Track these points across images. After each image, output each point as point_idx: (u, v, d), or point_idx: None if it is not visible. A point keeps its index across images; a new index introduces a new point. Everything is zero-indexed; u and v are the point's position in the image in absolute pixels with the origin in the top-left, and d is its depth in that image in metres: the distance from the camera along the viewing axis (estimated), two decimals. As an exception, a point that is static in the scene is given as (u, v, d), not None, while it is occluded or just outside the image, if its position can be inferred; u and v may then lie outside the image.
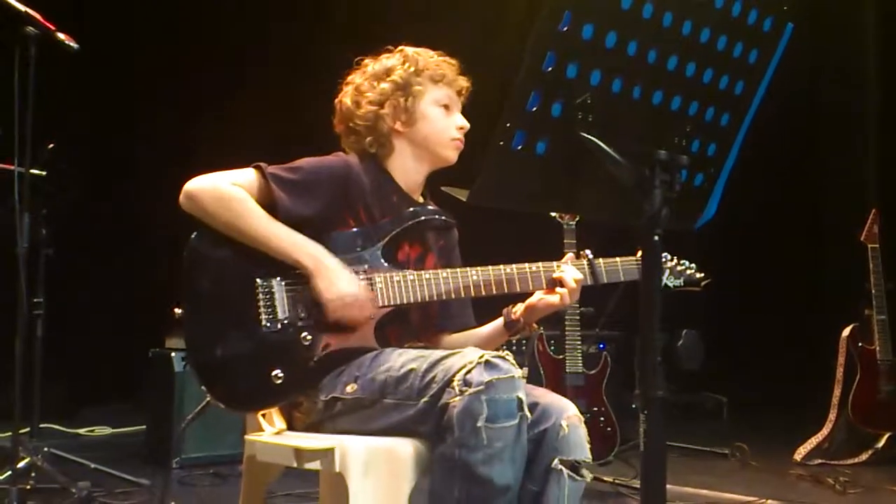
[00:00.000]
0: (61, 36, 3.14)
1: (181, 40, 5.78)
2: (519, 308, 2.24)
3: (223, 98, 5.65)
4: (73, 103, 5.33)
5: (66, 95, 5.02)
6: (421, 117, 2.25)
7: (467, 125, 2.28)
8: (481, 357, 1.87)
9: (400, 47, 2.32)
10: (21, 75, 3.06)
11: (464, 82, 2.30)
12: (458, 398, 1.84)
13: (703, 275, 2.39)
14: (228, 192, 2.06)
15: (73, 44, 3.15)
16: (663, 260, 2.31)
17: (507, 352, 1.94)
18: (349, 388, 2.03)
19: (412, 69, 2.25)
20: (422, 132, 2.25)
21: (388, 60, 2.29)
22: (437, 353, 1.97)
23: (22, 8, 3.10)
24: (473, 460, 1.82)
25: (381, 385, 1.99)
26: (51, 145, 3.40)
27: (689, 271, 2.37)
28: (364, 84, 2.28)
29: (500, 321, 2.28)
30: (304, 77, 5.74)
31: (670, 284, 2.33)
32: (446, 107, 2.27)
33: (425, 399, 1.91)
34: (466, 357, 1.89)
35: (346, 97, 2.30)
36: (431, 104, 2.26)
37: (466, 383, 1.84)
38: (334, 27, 5.88)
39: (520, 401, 1.86)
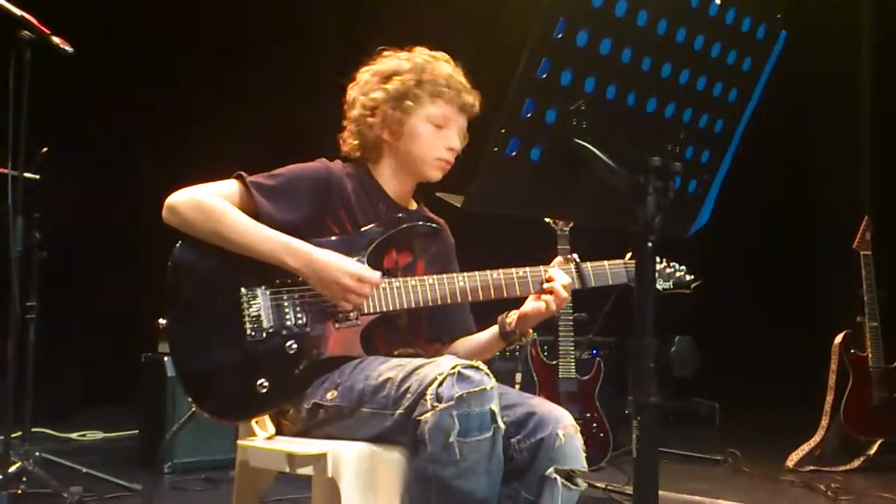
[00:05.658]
0: (56, 39, 3.12)
1: (178, 47, 5.77)
2: (513, 317, 2.21)
3: (220, 104, 5.65)
4: (70, 108, 5.32)
5: (62, 100, 5.01)
6: (409, 132, 2.19)
7: (457, 146, 2.22)
8: (453, 368, 1.83)
9: (417, 49, 2.26)
10: (16, 79, 3.06)
11: (469, 99, 2.22)
12: (429, 413, 1.81)
13: (692, 277, 2.33)
14: (209, 201, 2.04)
15: (68, 47, 3.14)
16: None
17: (479, 361, 1.89)
18: (329, 395, 2.02)
19: (413, 80, 2.18)
20: (407, 147, 2.20)
21: (397, 62, 2.23)
22: (414, 363, 1.95)
23: (17, 12, 3.10)
24: (447, 475, 1.79)
25: (360, 394, 1.98)
26: (45, 149, 3.39)
27: (678, 273, 2.32)
28: (368, 82, 2.24)
29: (496, 329, 2.26)
30: (300, 83, 5.76)
31: (658, 287, 2.26)
32: (440, 125, 2.20)
33: (400, 410, 1.89)
34: (440, 367, 1.86)
35: (352, 89, 2.27)
36: (423, 121, 2.19)
37: (438, 398, 1.80)
38: (330, 34, 5.88)
39: (493, 413, 1.82)
